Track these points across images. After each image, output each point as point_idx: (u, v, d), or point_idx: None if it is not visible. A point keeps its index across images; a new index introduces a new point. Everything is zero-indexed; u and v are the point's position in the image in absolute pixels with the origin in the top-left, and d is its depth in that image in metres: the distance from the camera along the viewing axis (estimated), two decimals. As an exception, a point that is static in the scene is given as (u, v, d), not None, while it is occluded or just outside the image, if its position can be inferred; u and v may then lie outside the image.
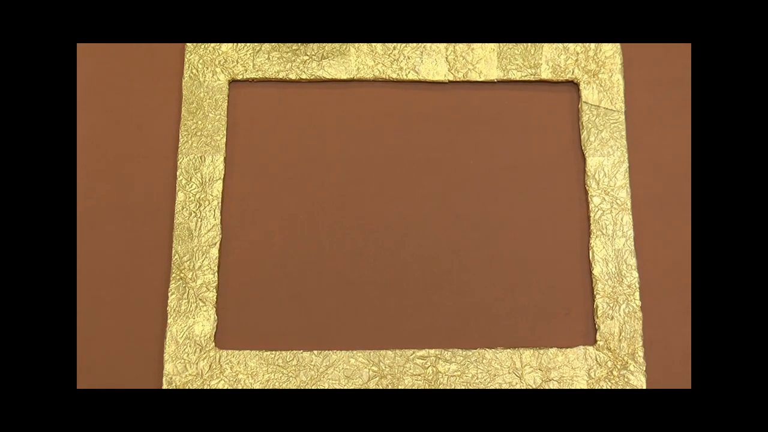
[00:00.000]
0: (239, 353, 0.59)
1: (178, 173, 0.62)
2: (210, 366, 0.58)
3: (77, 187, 0.62)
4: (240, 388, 0.58)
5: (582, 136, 0.63)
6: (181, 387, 0.58)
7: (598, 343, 0.59)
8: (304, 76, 0.64)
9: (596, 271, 0.60)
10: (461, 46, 0.65)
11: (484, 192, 0.63)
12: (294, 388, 0.58)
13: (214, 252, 0.61)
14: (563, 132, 0.64)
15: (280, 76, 0.64)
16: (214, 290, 0.60)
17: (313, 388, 0.58)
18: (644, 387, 0.58)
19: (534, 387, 0.58)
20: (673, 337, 0.60)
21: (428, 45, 0.65)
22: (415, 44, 0.65)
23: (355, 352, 0.59)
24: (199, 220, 0.61)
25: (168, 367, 0.58)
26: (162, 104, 0.64)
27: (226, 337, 0.60)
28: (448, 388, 0.58)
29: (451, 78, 0.64)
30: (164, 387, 0.58)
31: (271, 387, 0.58)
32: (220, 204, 0.62)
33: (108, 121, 0.64)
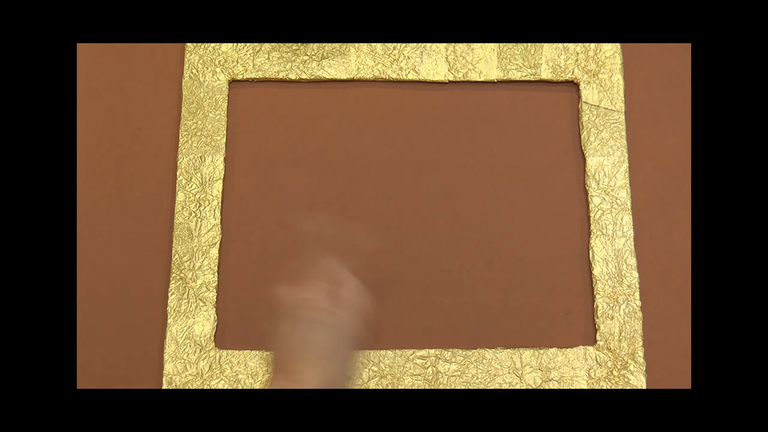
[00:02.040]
0: (239, 353, 0.59)
1: (178, 173, 0.62)
2: (210, 366, 0.58)
3: (77, 187, 0.62)
4: (240, 388, 0.58)
5: (582, 136, 0.63)
6: (181, 387, 0.58)
7: (598, 343, 0.59)
8: (304, 76, 0.64)
9: (596, 271, 0.60)
10: (461, 46, 0.65)
11: (484, 192, 0.63)
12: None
13: (214, 252, 0.61)
14: (563, 132, 0.64)
15: (280, 76, 0.64)
16: (214, 290, 0.60)
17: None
18: (644, 387, 0.58)
19: (534, 387, 0.58)
20: (673, 337, 0.60)
21: (428, 45, 0.65)
22: (415, 44, 0.65)
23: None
24: (199, 220, 0.61)
25: (168, 367, 0.58)
26: (162, 104, 0.64)
27: (226, 337, 0.60)
28: (448, 388, 0.58)
29: (451, 78, 0.64)
30: (164, 387, 0.58)
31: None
32: (220, 204, 0.62)
33: (108, 121, 0.64)
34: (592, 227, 0.61)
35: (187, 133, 0.63)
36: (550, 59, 0.65)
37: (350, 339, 0.49)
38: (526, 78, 0.64)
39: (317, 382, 0.48)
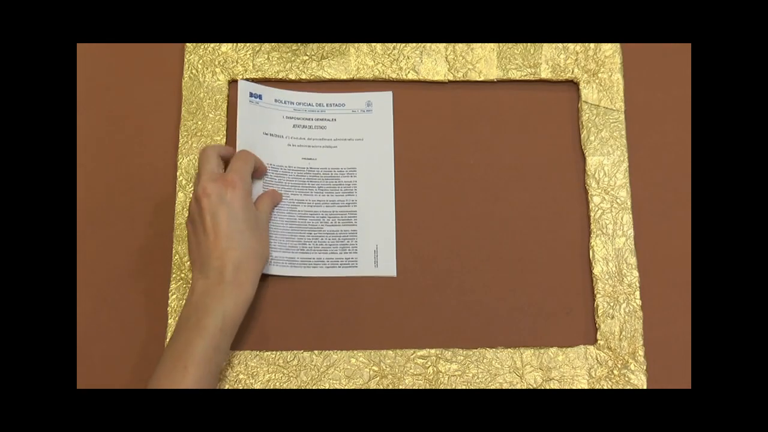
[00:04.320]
0: (240, 353, 0.59)
1: (178, 173, 0.62)
2: (210, 366, 0.58)
3: (77, 187, 0.62)
4: (240, 388, 0.58)
5: (582, 136, 0.63)
6: (181, 387, 0.58)
7: (598, 342, 0.59)
8: (304, 76, 0.64)
9: (596, 271, 0.60)
10: (461, 46, 0.65)
11: (484, 192, 0.63)
12: (294, 388, 0.58)
13: (215, 252, 0.60)
14: (563, 131, 0.64)
15: (280, 76, 0.64)
16: (215, 290, 0.60)
17: (313, 388, 0.58)
18: (645, 386, 0.58)
19: (535, 386, 0.58)
20: (673, 337, 0.60)
21: (428, 45, 0.65)
22: (415, 44, 0.65)
23: (355, 351, 0.59)
24: (199, 220, 0.61)
25: (168, 367, 0.58)
26: (162, 104, 0.64)
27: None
28: (448, 387, 0.58)
29: (450, 78, 0.64)
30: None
31: (271, 387, 0.58)
32: (220, 204, 0.61)
33: (108, 121, 0.64)
34: (592, 226, 0.61)
35: (187, 133, 0.63)
36: (550, 59, 0.65)
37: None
38: (526, 78, 0.64)
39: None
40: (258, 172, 0.60)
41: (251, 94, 0.63)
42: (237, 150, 0.60)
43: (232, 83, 0.65)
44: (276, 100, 0.63)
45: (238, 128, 0.62)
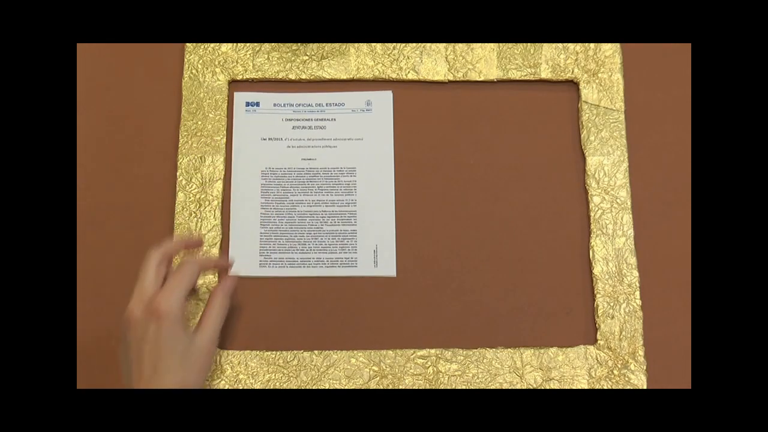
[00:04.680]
0: (240, 353, 0.59)
1: (178, 173, 0.62)
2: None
3: (77, 187, 0.62)
4: (240, 388, 0.58)
5: (582, 136, 0.63)
6: (181, 387, 0.58)
7: (598, 342, 0.59)
8: (304, 76, 0.64)
9: (596, 271, 0.60)
10: (461, 46, 0.65)
11: (484, 192, 0.63)
12: (294, 388, 0.58)
13: (215, 252, 0.61)
14: (563, 131, 0.64)
15: (280, 76, 0.64)
16: (215, 290, 0.60)
17: (313, 388, 0.58)
18: (645, 386, 0.58)
19: (535, 386, 0.58)
20: (673, 337, 0.60)
21: (428, 45, 0.65)
22: (415, 44, 0.65)
23: (355, 351, 0.59)
24: (199, 220, 0.61)
25: (168, 367, 0.58)
26: (162, 104, 0.64)
27: (226, 337, 0.60)
28: (448, 387, 0.58)
29: (450, 78, 0.64)
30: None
31: (271, 387, 0.58)
32: (220, 204, 0.62)
33: (108, 121, 0.64)
34: (592, 226, 0.61)
35: (187, 133, 0.63)
36: (550, 59, 0.65)
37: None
38: (526, 77, 0.64)
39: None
40: (217, 267, 0.59)
41: (248, 104, 0.63)
42: (234, 152, 0.58)
43: (232, 83, 0.65)
44: (275, 104, 0.63)
45: (233, 140, 0.63)
